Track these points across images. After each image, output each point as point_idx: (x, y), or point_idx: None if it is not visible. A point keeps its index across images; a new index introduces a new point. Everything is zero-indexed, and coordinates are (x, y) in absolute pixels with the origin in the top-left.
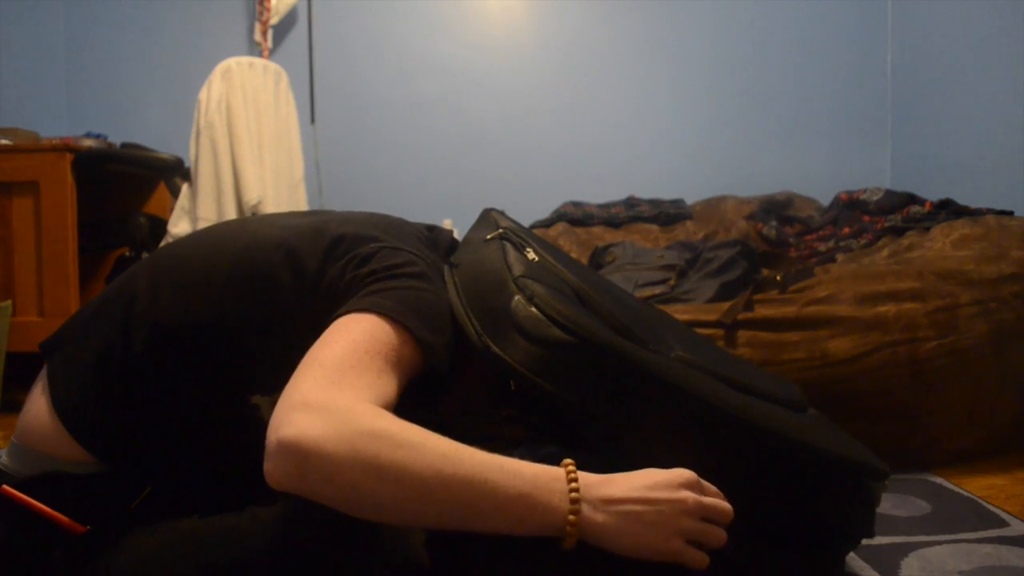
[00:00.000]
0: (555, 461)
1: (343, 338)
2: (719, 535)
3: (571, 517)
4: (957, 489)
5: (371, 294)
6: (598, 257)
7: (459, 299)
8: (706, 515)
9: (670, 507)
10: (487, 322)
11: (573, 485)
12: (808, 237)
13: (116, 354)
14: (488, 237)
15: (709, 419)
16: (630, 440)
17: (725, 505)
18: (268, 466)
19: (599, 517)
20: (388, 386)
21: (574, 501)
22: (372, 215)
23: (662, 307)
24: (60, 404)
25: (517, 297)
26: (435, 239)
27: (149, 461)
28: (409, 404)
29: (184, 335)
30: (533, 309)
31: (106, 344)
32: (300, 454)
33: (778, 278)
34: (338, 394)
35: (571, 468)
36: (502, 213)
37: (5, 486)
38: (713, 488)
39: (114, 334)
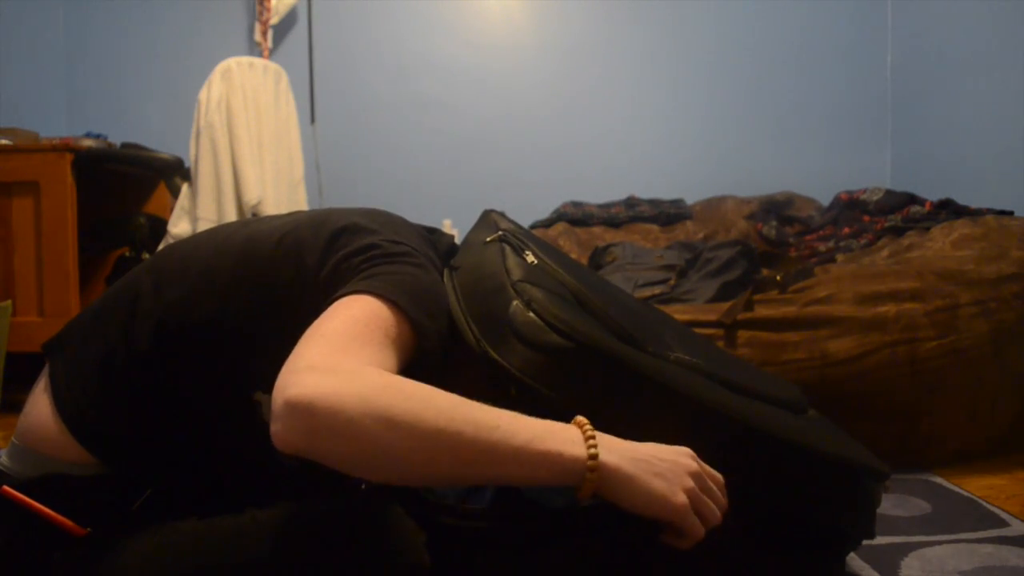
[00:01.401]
0: None
1: (343, 314)
2: (715, 510)
3: (591, 462)
4: (957, 489)
5: (367, 278)
6: (598, 257)
7: (458, 303)
8: (706, 485)
9: (676, 464)
10: (485, 327)
11: (589, 432)
12: (808, 237)
13: (119, 354)
14: (487, 240)
15: (707, 422)
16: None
17: (722, 481)
18: (275, 427)
19: (615, 459)
20: (390, 359)
21: (592, 446)
22: (374, 211)
23: (662, 307)
24: (62, 405)
25: (515, 302)
26: (435, 241)
27: (150, 462)
28: None
29: (188, 333)
30: (531, 314)
31: (109, 344)
32: (309, 410)
33: (778, 278)
34: (343, 358)
35: (583, 421)
36: (502, 214)
37: (5, 487)
38: (713, 472)
39: (117, 334)
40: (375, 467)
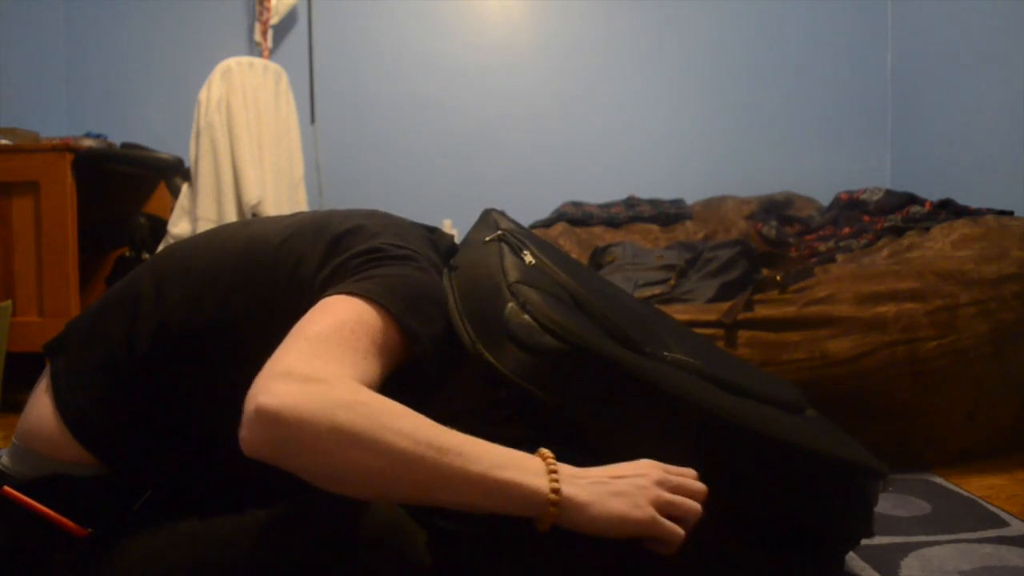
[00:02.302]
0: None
1: (328, 316)
2: (692, 507)
3: (552, 495)
4: (957, 489)
5: (361, 280)
6: (598, 257)
7: (455, 303)
8: (674, 487)
9: (636, 478)
10: (481, 328)
11: (551, 465)
12: (808, 237)
13: (121, 356)
14: (487, 239)
15: (702, 423)
16: (625, 444)
17: (694, 482)
18: (244, 433)
19: (576, 490)
20: (372, 368)
21: (553, 479)
22: (375, 213)
23: (662, 307)
24: (63, 406)
25: (511, 304)
26: (436, 241)
27: (151, 463)
28: (399, 398)
29: (190, 335)
30: (526, 316)
31: (111, 346)
32: (277, 421)
33: (778, 278)
34: (321, 366)
35: (546, 453)
36: (502, 214)
37: (6, 487)
38: (680, 469)
39: (119, 336)
40: (336, 482)
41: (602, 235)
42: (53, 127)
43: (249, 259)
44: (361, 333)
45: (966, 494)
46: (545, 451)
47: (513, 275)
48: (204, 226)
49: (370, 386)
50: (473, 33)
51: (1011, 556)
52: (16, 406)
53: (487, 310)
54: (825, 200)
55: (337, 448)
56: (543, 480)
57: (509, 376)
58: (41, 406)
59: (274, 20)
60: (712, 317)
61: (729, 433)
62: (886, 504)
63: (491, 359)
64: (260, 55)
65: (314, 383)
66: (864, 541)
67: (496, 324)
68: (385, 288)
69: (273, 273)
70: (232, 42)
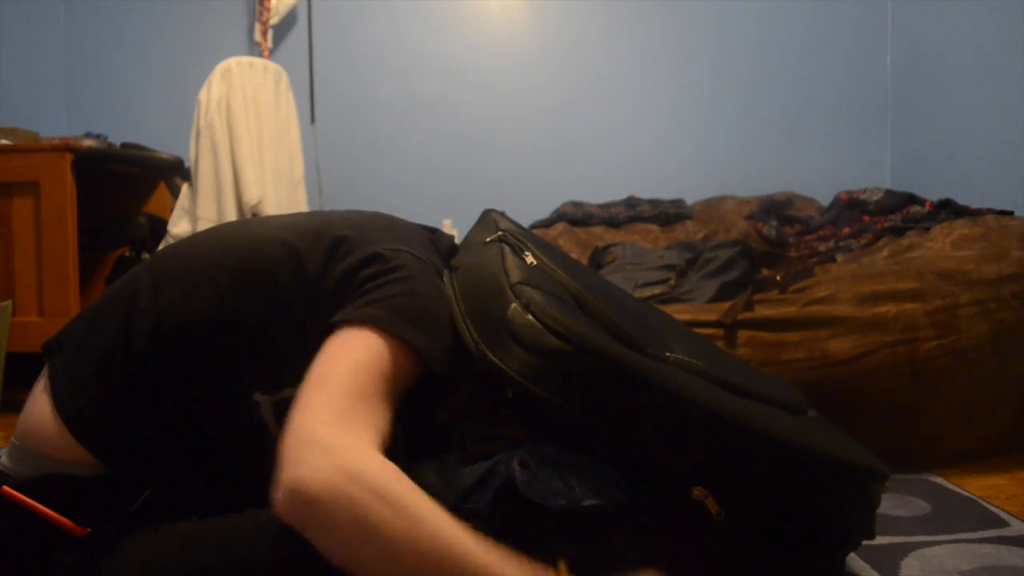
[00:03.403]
0: (556, 461)
1: (345, 357)
2: None
3: None
4: (957, 489)
5: (369, 303)
6: (598, 257)
7: (457, 305)
8: None
9: None
10: (484, 329)
11: None
12: (808, 237)
13: (118, 353)
14: (487, 240)
15: (705, 424)
16: (628, 445)
17: None
18: (277, 498)
19: None
20: (388, 412)
21: None
22: (376, 215)
23: (662, 307)
24: (62, 405)
25: (514, 305)
26: (436, 241)
27: (150, 462)
28: (417, 405)
29: (186, 333)
30: (529, 317)
31: (108, 343)
32: (307, 503)
33: (778, 278)
34: (347, 435)
35: (563, 569)
36: (502, 214)
37: (5, 487)
38: None
39: (116, 333)
40: (351, 567)
41: (602, 235)
42: (53, 127)
43: (249, 257)
44: (378, 374)
45: (966, 494)
46: (563, 565)
47: (515, 276)
48: (204, 226)
49: (388, 433)
50: (473, 33)
51: (1011, 556)
52: (16, 406)
53: (490, 311)
54: (825, 200)
55: (358, 542)
56: None
57: (513, 377)
58: (40, 405)
59: (274, 20)
60: (712, 317)
61: (734, 434)
62: (886, 504)
63: (495, 360)
64: (260, 55)
65: (342, 465)
66: (864, 541)
67: (499, 325)
68: (393, 312)
69: (274, 270)
70: (232, 42)
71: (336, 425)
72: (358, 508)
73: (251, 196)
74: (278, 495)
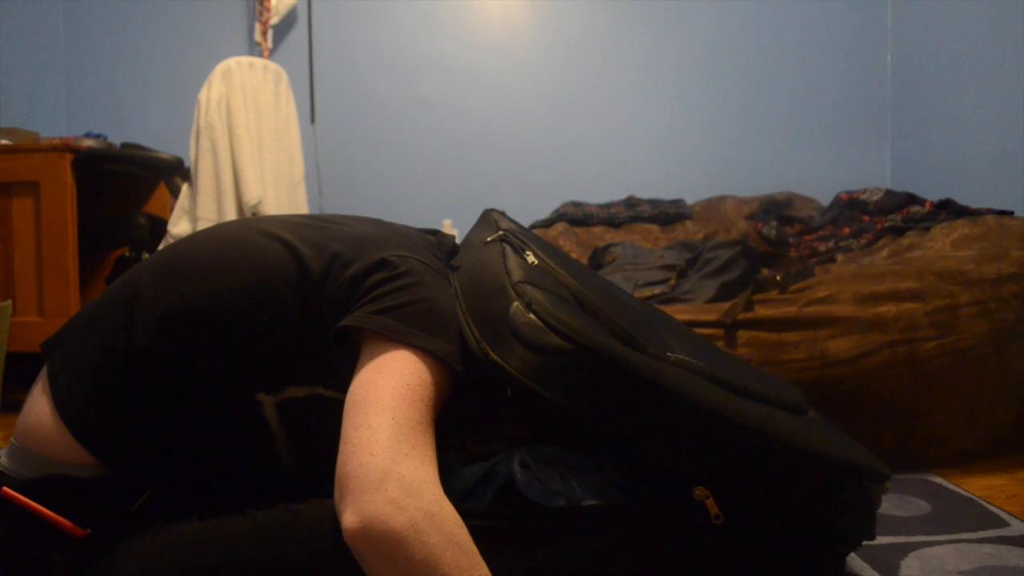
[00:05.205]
0: (556, 461)
1: (393, 379)
2: None
3: None
4: (957, 489)
5: (389, 313)
6: (598, 257)
7: (459, 304)
8: None
9: None
10: (486, 328)
11: None
12: (808, 237)
13: (118, 352)
14: (488, 239)
15: (707, 424)
16: (629, 444)
17: None
18: (349, 527)
19: None
20: (432, 431)
21: None
22: (379, 222)
23: (662, 307)
24: (61, 405)
25: (516, 303)
26: (437, 243)
27: (150, 463)
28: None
29: (187, 330)
30: (531, 316)
31: (108, 341)
32: (388, 540)
33: (778, 278)
34: (422, 471)
35: None
36: (503, 214)
37: (5, 488)
38: None
39: (116, 331)
40: None
41: (602, 235)
42: (53, 127)
43: (250, 257)
44: (420, 396)
45: (966, 494)
46: None
47: (517, 275)
48: (204, 226)
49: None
50: (473, 33)
51: (1011, 556)
52: (16, 406)
53: (491, 309)
54: (825, 200)
55: None
56: None
57: (515, 375)
58: (39, 405)
59: (274, 20)
60: (712, 317)
61: (735, 435)
62: (886, 504)
63: (496, 359)
64: (260, 55)
65: (423, 508)
66: (864, 542)
67: (501, 324)
68: (419, 324)
69: (275, 270)
70: (232, 42)
71: (409, 457)
72: (435, 551)
73: (251, 196)
74: (353, 521)
